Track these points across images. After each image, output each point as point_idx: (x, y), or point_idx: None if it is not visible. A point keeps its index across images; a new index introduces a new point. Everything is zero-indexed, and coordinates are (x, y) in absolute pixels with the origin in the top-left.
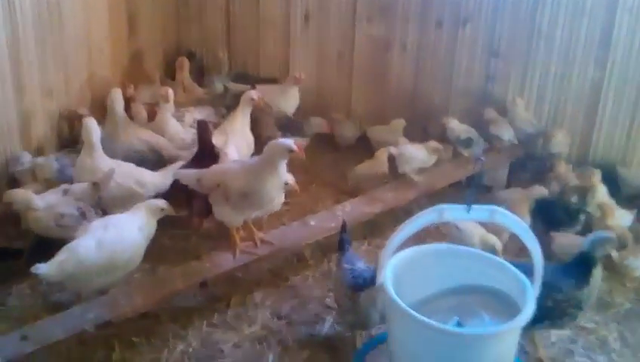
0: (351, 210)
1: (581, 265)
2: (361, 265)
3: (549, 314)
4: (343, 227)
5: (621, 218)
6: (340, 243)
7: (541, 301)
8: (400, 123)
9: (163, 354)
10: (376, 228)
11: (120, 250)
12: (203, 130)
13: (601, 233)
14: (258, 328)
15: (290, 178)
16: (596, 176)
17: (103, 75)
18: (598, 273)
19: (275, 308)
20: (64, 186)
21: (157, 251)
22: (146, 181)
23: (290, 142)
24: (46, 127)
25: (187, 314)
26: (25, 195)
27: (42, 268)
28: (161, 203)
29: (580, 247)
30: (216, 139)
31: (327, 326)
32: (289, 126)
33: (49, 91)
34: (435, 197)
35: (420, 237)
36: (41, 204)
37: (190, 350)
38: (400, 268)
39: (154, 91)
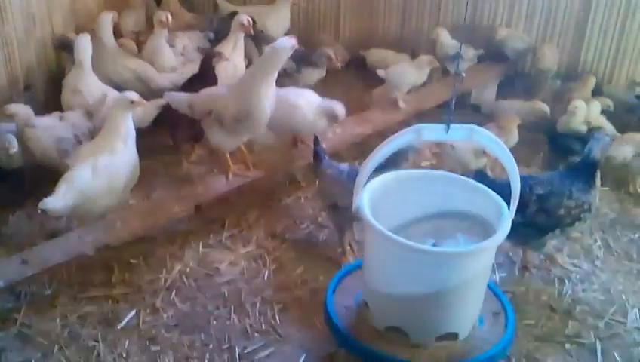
0: (341, 131)
1: (586, 169)
2: (344, 166)
3: (561, 221)
4: (316, 140)
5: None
6: (315, 154)
7: (553, 210)
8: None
9: (161, 274)
10: (367, 149)
11: (116, 172)
12: (207, 63)
13: (601, 136)
14: (253, 247)
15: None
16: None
17: (86, 1)
18: (598, 176)
19: (269, 228)
20: (58, 113)
21: (151, 178)
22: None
23: (289, 39)
24: (31, 57)
25: (183, 236)
26: (26, 110)
27: (49, 203)
28: (130, 95)
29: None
30: None
31: (321, 243)
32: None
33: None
34: (424, 117)
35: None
36: (40, 123)
37: (187, 270)
38: (376, 194)
39: (137, 18)
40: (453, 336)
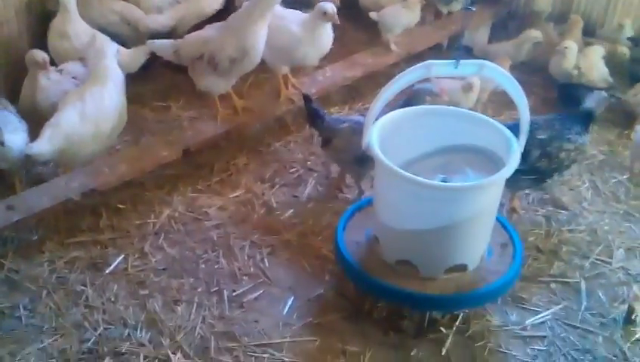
0: (332, 74)
1: (584, 118)
2: (356, 116)
3: (561, 166)
4: (307, 99)
5: None
6: (312, 114)
7: (555, 154)
8: None
9: (150, 218)
10: (357, 92)
11: (103, 117)
12: None
13: (603, 93)
14: (242, 192)
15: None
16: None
17: None
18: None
19: (258, 173)
20: (56, 67)
21: (139, 123)
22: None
23: None
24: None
25: (172, 181)
26: (46, 56)
27: (34, 147)
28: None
29: None
30: None
31: (310, 187)
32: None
33: None
34: (415, 60)
35: None
36: (52, 75)
37: (176, 214)
38: (385, 131)
39: None
40: (463, 268)
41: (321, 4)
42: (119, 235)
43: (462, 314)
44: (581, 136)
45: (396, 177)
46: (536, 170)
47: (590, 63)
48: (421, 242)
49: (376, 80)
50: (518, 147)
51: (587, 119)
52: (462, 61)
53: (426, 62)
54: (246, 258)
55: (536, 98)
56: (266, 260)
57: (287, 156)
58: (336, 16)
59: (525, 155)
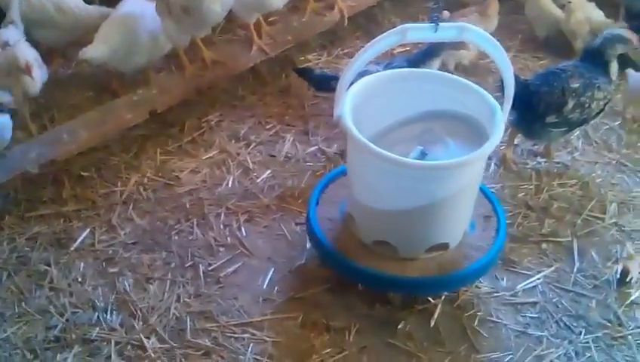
0: (308, 19)
1: (596, 59)
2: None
3: (589, 116)
4: (303, 72)
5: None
6: (320, 81)
7: (589, 103)
8: None
9: (116, 186)
10: (336, 36)
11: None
12: None
13: (614, 30)
14: (216, 152)
15: None
16: None
17: None
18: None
19: (233, 130)
20: None
21: (101, 76)
22: None
23: None
24: None
25: (139, 142)
26: None
27: (88, 52)
28: None
29: None
30: None
31: (288, 144)
32: None
33: None
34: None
35: None
36: None
37: (145, 180)
38: (360, 97)
39: None
40: (444, 247)
41: None
42: (84, 206)
43: None
44: (608, 83)
45: (371, 154)
46: (567, 121)
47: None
48: (400, 222)
49: (356, 22)
50: (502, 116)
51: (600, 61)
52: (441, 24)
53: (400, 26)
54: (222, 227)
55: (524, 37)
56: (243, 229)
57: (262, 110)
58: None
59: (560, 106)
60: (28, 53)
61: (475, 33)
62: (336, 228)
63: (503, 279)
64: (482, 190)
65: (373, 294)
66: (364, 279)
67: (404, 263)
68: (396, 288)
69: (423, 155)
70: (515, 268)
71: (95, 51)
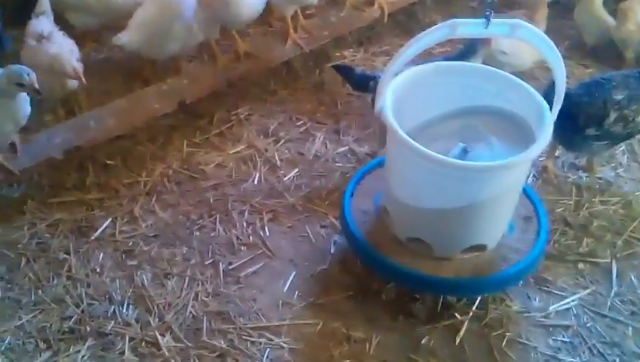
0: (347, 13)
1: None
2: None
3: (635, 130)
4: (342, 67)
5: None
6: (360, 81)
7: (633, 117)
8: None
9: (141, 177)
10: (374, 33)
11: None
12: None
13: None
14: (243, 147)
15: None
16: None
17: None
18: None
19: (262, 125)
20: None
21: (131, 66)
22: None
23: None
24: None
25: (166, 133)
26: None
27: (122, 38)
28: None
29: None
30: None
31: (318, 143)
32: None
33: None
34: None
35: None
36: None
37: (170, 172)
38: (402, 90)
39: None
40: (481, 248)
41: None
42: (107, 195)
43: (479, 298)
44: None
45: (412, 151)
46: (610, 134)
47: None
48: (437, 221)
49: (395, 19)
50: (550, 119)
51: None
52: (493, 20)
53: (450, 21)
54: (245, 225)
55: (571, 43)
56: (266, 228)
57: (293, 106)
58: None
59: (601, 118)
60: (66, 47)
61: (529, 31)
62: (370, 221)
63: (535, 299)
64: (524, 190)
65: (397, 305)
66: (396, 276)
67: (438, 262)
68: (428, 288)
69: (464, 153)
70: (548, 287)
71: (129, 37)
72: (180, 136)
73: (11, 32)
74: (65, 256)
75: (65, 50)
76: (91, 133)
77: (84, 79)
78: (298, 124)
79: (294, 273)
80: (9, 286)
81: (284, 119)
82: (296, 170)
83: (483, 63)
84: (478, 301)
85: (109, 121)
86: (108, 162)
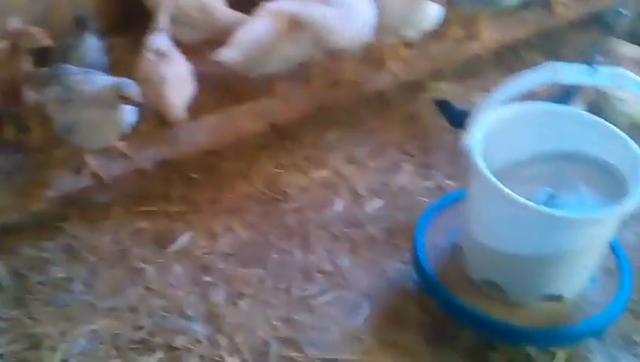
0: (448, 46)
1: None
2: None
3: None
4: (442, 103)
5: None
6: (460, 118)
7: None
8: None
9: (223, 193)
10: (475, 68)
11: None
12: None
13: None
14: (328, 172)
15: None
16: None
17: None
18: None
19: (349, 152)
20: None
21: (223, 84)
22: None
23: None
24: None
25: (253, 151)
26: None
27: (223, 54)
28: None
29: None
30: None
31: (405, 175)
32: None
33: None
34: (550, 38)
35: None
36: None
37: (253, 191)
38: (494, 127)
39: None
40: (559, 298)
41: None
42: (189, 209)
43: (560, 355)
44: None
45: (495, 191)
46: None
47: None
48: (515, 266)
49: (499, 55)
50: None
51: None
52: (599, 68)
53: (552, 64)
54: (323, 252)
55: None
56: (344, 257)
57: (383, 135)
58: None
59: None
60: (181, 66)
61: (637, 84)
62: (443, 258)
63: (621, 360)
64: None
65: (473, 353)
66: (465, 317)
67: (511, 309)
68: (498, 334)
69: (551, 199)
70: (636, 350)
71: (229, 54)
72: (266, 156)
73: (115, 40)
74: (143, 265)
75: (177, 76)
76: (181, 147)
77: (179, 121)
78: (386, 154)
79: (369, 307)
80: (87, 289)
81: (372, 148)
82: (380, 201)
83: (595, 106)
84: (557, 356)
85: (199, 136)
86: (193, 176)
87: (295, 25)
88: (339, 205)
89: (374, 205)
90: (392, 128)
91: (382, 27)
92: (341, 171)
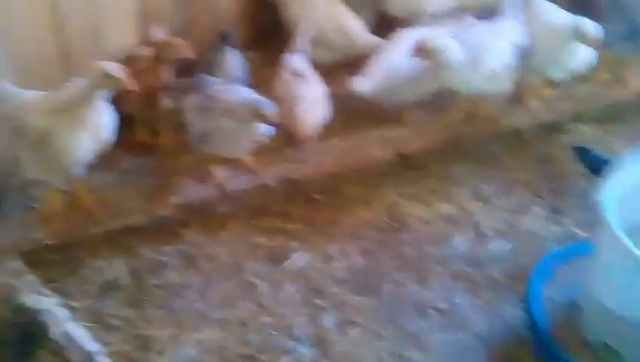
0: (593, 89)
1: None
2: None
3: None
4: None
5: None
6: (595, 164)
7: None
8: None
9: (343, 216)
10: (619, 114)
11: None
12: None
13: None
14: (452, 206)
15: None
16: None
17: None
18: None
19: (476, 188)
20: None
21: (353, 108)
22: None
23: None
24: None
25: (377, 178)
26: None
27: (359, 84)
28: None
29: None
30: None
31: (533, 217)
32: None
33: None
34: None
35: None
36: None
37: (373, 218)
38: (632, 181)
39: None
40: None
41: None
42: (308, 229)
43: None
44: None
45: (625, 252)
46: None
47: None
48: (638, 334)
49: None
50: None
51: None
52: None
53: None
54: (439, 288)
55: None
56: (461, 297)
57: (514, 174)
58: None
59: None
60: (316, 88)
61: None
62: (559, 314)
63: None
64: None
65: None
66: None
67: None
68: None
69: None
70: None
71: (365, 83)
72: (390, 184)
73: (250, 54)
74: (257, 280)
75: (312, 97)
76: (307, 168)
77: (308, 141)
78: (515, 193)
79: (483, 351)
80: (200, 297)
81: (500, 186)
82: (505, 241)
83: None
84: None
85: (325, 158)
86: (315, 196)
87: (424, 53)
88: (460, 242)
89: (498, 246)
90: (524, 168)
91: (528, 67)
92: (466, 207)
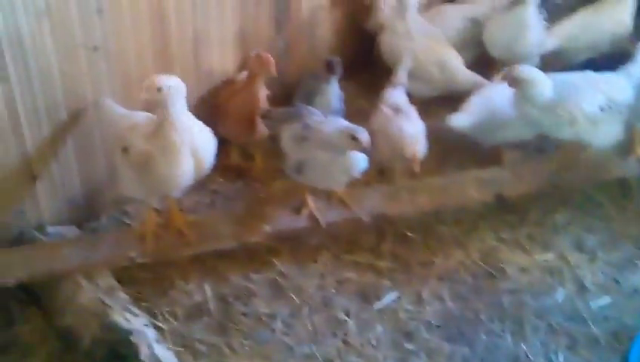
0: None
1: None
2: None
3: None
4: None
5: None
6: None
7: None
8: None
9: (437, 257)
10: None
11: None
12: None
13: None
14: (553, 256)
15: None
16: None
17: None
18: None
19: (578, 238)
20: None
21: (450, 145)
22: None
23: None
24: None
25: (473, 219)
26: None
27: (455, 120)
28: None
29: None
30: None
31: (638, 275)
32: None
33: None
34: None
35: None
36: None
37: (468, 262)
38: None
39: None
40: None
41: None
42: (399, 268)
43: None
44: None
45: None
46: None
47: None
48: None
49: None
50: None
51: None
52: None
53: None
54: (537, 342)
55: None
56: (560, 353)
57: (620, 226)
58: None
59: None
60: (416, 127)
61: None
62: None
63: None
64: None
65: None
66: None
67: None
68: None
69: None
70: None
71: (462, 120)
72: (486, 227)
73: (345, 84)
74: (345, 317)
75: (413, 130)
76: (401, 205)
77: (418, 167)
78: (620, 247)
79: None
80: (287, 330)
81: (605, 238)
82: (608, 298)
83: None
84: None
85: (421, 196)
86: (408, 234)
87: (512, 80)
88: (561, 295)
89: (601, 302)
90: (630, 219)
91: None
92: (567, 257)
